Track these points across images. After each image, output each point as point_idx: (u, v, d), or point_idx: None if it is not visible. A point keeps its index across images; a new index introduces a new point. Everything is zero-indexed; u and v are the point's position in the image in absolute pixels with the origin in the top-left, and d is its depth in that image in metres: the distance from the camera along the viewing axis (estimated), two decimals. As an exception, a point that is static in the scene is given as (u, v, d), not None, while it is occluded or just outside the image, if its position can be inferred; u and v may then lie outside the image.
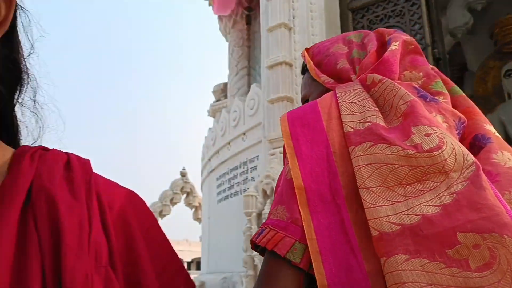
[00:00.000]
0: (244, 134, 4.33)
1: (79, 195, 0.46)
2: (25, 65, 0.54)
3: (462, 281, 0.52)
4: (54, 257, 0.41)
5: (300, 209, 0.64)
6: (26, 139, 0.56)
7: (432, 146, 0.59)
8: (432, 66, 0.80)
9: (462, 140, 0.70)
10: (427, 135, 0.61)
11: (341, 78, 0.82)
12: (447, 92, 0.74)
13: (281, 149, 3.31)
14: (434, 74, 0.77)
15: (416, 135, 0.61)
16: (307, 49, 0.94)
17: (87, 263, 0.43)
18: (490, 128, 0.72)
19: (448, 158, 0.58)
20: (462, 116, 0.70)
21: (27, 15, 0.53)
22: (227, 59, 6.73)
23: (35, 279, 0.40)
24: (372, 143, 0.63)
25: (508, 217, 0.54)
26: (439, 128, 0.62)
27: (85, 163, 0.51)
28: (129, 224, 0.50)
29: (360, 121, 0.67)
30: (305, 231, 0.62)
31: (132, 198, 0.54)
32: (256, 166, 4.10)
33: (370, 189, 0.60)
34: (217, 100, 6.97)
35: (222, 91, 6.98)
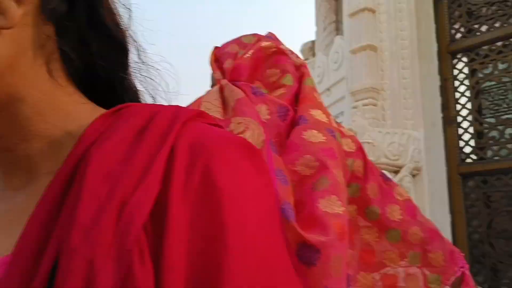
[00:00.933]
0: (328, 89, 4.25)
1: (137, 156, 0.37)
2: (120, 29, 0.48)
3: None
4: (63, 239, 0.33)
5: None
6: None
7: (240, 130, 0.82)
8: (301, 62, 1.04)
9: (294, 118, 0.93)
10: (239, 123, 0.83)
11: (225, 76, 1.04)
12: (291, 84, 0.99)
13: (364, 101, 3.21)
14: (287, 70, 1.00)
15: (232, 124, 0.84)
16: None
17: (99, 244, 0.32)
18: (313, 113, 0.92)
19: (249, 138, 0.80)
20: (283, 103, 0.94)
21: None
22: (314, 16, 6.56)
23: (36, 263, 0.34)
24: None
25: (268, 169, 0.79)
26: (249, 118, 0.85)
27: (176, 118, 0.40)
28: (216, 188, 0.36)
29: None
30: None
31: (235, 153, 0.39)
32: (341, 122, 4.02)
33: None
34: (305, 59, 6.88)
35: (310, 50, 6.86)
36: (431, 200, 2.96)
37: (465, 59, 3.19)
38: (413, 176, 2.93)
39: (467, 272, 1.04)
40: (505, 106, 3.00)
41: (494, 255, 2.87)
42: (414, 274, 1.00)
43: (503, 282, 2.82)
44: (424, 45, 3.16)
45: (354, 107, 3.26)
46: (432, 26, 3.26)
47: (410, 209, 1.03)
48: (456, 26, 3.24)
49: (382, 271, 1.00)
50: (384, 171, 1.29)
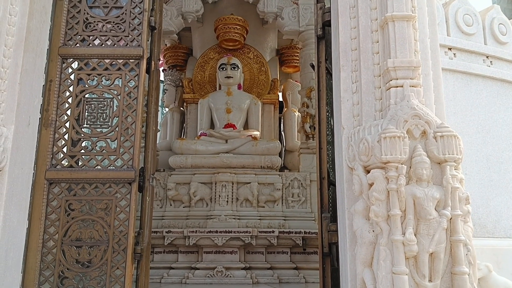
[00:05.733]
0: None
1: None
2: None
3: None
4: None
5: None
6: None
7: None
8: None
9: None
10: None
11: None
12: None
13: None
14: None
15: None
16: None
17: None
18: None
19: None
20: None
21: None
22: None
23: None
24: None
25: None
26: None
27: None
28: None
29: None
30: None
31: None
32: None
33: None
34: None
35: None
36: (9, 204, 2.72)
37: (74, 65, 3.19)
38: (-7, 176, 2.62)
39: None
40: (102, 120, 3.17)
41: (64, 262, 2.90)
42: None
43: (68, 289, 2.87)
44: (34, 38, 2.95)
45: None
46: (48, 22, 3.11)
47: None
48: (72, 31, 3.21)
49: None
50: None
